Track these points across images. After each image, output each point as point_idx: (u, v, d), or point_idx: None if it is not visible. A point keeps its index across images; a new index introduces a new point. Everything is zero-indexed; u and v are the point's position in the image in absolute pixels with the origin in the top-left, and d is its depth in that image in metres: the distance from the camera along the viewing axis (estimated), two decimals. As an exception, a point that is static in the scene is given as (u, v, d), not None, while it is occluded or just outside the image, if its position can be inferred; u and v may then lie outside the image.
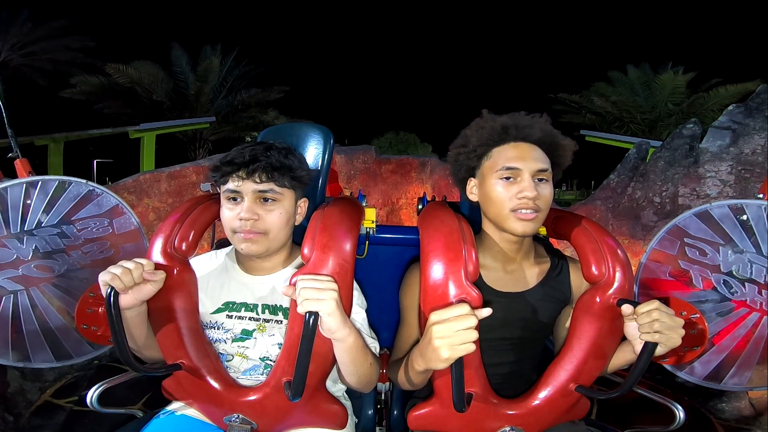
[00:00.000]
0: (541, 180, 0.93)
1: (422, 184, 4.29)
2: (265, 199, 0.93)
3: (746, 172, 3.00)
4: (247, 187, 0.91)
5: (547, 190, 0.93)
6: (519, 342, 1.00)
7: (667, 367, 1.47)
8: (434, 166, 4.23)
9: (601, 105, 10.92)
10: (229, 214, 0.93)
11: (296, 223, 1.01)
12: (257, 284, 1.00)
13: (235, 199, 0.93)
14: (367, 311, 1.00)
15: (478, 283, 0.93)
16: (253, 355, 0.97)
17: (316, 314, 0.77)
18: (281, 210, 0.94)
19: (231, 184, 0.92)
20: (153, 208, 3.87)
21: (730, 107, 3.22)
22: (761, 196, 1.53)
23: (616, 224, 3.44)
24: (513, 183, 0.92)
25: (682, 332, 0.80)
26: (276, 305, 0.97)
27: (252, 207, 0.91)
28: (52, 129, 9.29)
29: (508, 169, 0.92)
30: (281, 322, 0.96)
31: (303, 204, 1.02)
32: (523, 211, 0.91)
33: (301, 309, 0.77)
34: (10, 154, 1.63)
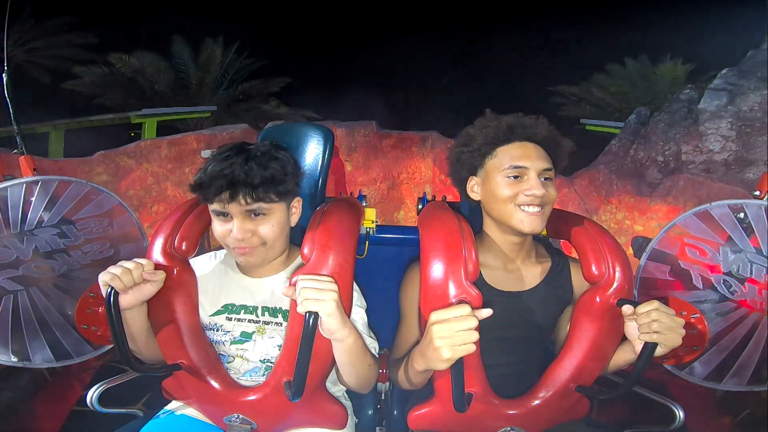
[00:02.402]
0: (546, 179, 0.93)
1: (423, 159, 4.27)
2: (255, 214, 0.89)
3: (746, 127, 3.09)
4: (234, 208, 0.88)
5: (552, 189, 0.94)
6: (520, 341, 1.00)
7: (668, 367, 1.47)
8: (435, 141, 4.20)
9: (601, 96, 10.88)
10: (221, 230, 0.91)
11: (292, 225, 0.99)
12: (257, 287, 0.99)
13: (224, 215, 0.90)
14: (367, 311, 1.00)
15: (479, 281, 0.93)
16: (253, 357, 0.97)
17: (316, 314, 0.77)
18: (273, 222, 0.91)
19: (216, 206, 0.89)
20: (152, 172, 3.86)
21: (724, 71, 3.35)
22: (758, 193, 1.53)
23: (620, 184, 3.49)
24: (520, 182, 0.93)
25: (682, 332, 0.80)
26: (276, 307, 0.97)
27: (243, 226, 0.89)
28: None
29: (516, 167, 0.92)
30: (281, 324, 0.96)
31: (297, 204, 0.99)
32: (530, 208, 0.91)
33: (301, 309, 0.77)
34: (14, 151, 1.64)
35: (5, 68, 1.72)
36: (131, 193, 3.81)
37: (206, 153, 3.79)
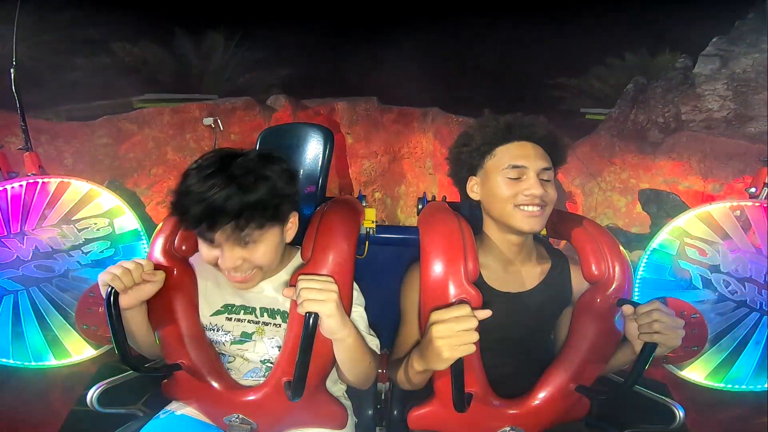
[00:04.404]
0: (545, 179, 0.93)
1: (424, 134, 4.30)
2: (245, 241, 0.81)
3: (742, 87, 3.26)
4: (219, 236, 0.79)
5: (551, 189, 0.94)
6: (519, 342, 1.00)
7: (668, 366, 1.47)
8: (436, 116, 4.23)
9: (600, 88, 10.89)
10: (208, 255, 0.83)
11: (288, 240, 0.91)
12: (256, 287, 0.99)
13: (210, 240, 0.81)
14: (366, 310, 1.00)
15: (479, 282, 0.93)
16: (253, 357, 0.97)
17: (316, 314, 0.77)
18: (266, 247, 0.84)
19: (200, 235, 0.81)
20: (153, 137, 3.86)
21: (714, 39, 3.55)
22: (753, 190, 1.53)
23: (622, 145, 3.60)
24: (519, 181, 0.92)
25: (682, 333, 0.80)
26: (274, 309, 0.97)
27: (231, 254, 0.81)
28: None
29: (515, 167, 0.92)
30: (280, 325, 0.96)
31: (293, 219, 0.90)
32: (529, 207, 0.91)
33: (301, 309, 0.77)
34: (20, 147, 1.64)
35: (15, 63, 1.72)
36: (131, 155, 3.81)
37: (208, 120, 3.82)
